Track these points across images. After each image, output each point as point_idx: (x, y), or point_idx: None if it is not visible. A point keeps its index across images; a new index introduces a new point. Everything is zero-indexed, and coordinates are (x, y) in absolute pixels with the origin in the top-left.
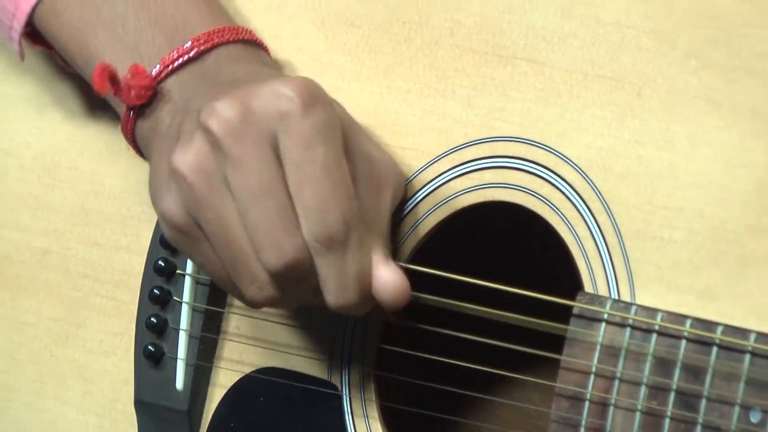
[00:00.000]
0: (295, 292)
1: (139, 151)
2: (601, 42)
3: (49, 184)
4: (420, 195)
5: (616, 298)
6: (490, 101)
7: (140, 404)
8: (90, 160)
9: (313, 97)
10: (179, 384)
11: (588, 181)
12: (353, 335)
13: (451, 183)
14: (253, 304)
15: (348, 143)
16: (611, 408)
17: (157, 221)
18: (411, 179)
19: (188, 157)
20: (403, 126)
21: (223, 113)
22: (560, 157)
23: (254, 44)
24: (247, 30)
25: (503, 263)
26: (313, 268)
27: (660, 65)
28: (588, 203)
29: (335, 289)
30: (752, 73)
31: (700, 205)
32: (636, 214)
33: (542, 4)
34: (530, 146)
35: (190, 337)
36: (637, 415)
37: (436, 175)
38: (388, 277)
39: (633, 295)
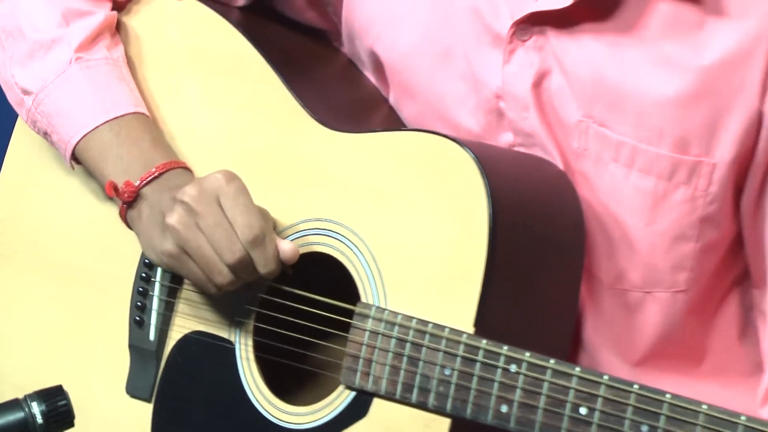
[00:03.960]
0: (242, 275)
1: (128, 226)
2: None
3: (88, 241)
4: None
5: (377, 305)
6: (314, 207)
7: (131, 347)
8: (116, 230)
9: (231, 175)
10: (151, 336)
11: (362, 240)
12: (242, 312)
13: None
14: (220, 288)
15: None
16: (373, 363)
17: (140, 256)
18: None
19: (175, 218)
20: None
21: (189, 192)
22: (347, 228)
23: (187, 169)
24: (182, 162)
25: (321, 288)
26: (251, 258)
27: None
28: (363, 253)
29: (263, 265)
30: None
31: (416, 253)
32: (389, 257)
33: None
34: (329, 222)
35: (158, 312)
36: (387, 367)
37: (285, 238)
38: (288, 247)
39: (386, 303)
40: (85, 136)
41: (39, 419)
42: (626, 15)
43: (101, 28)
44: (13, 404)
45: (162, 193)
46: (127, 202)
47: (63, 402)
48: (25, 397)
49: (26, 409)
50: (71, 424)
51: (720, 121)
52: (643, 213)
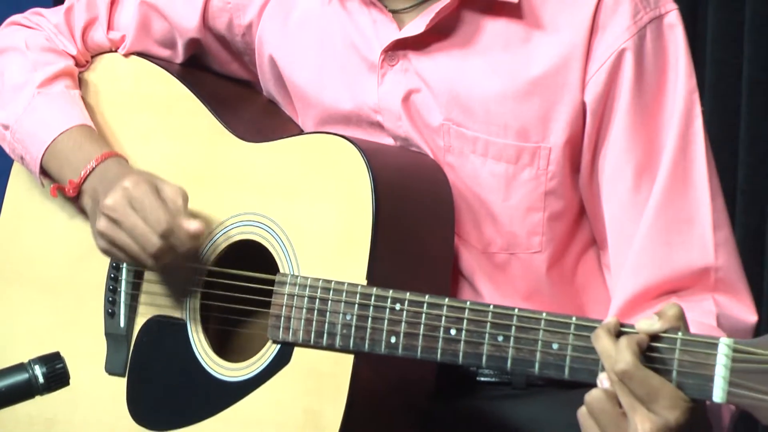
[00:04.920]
0: (166, 257)
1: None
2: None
3: (66, 247)
4: (214, 238)
5: (292, 274)
6: (238, 203)
7: (107, 334)
8: (87, 244)
9: (136, 181)
10: (122, 324)
11: (277, 224)
12: (190, 296)
13: (223, 235)
14: (153, 267)
15: None
16: (292, 319)
17: (109, 261)
18: (210, 234)
19: (102, 224)
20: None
21: (106, 203)
22: (265, 216)
23: (119, 156)
24: (116, 152)
25: (254, 264)
26: (169, 243)
27: None
28: (278, 234)
29: (180, 245)
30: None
31: (319, 229)
32: (298, 235)
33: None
34: (251, 215)
35: (125, 304)
36: (302, 320)
37: (218, 231)
38: (194, 226)
39: (299, 271)
40: (47, 149)
41: (40, 379)
42: (466, 34)
43: (60, 73)
44: (19, 367)
45: (100, 184)
46: (73, 196)
47: (60, 365)
48: (29, 361)
49: (30, 371)
50: (67, 383)
51: (551, 113)
52: (500, 191)
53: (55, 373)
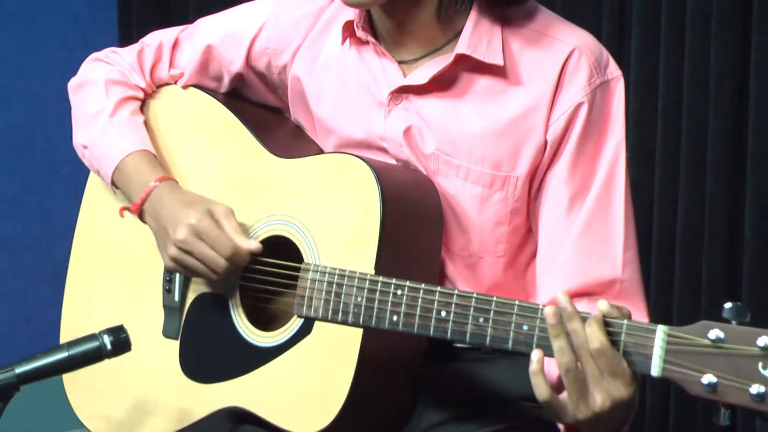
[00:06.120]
0: (233, 266)
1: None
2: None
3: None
4: (252, 234)
5: (314, 263)
6: (272, 207)
7: (164, 306)
8: (151, 236)
9: (201, 216)
10: (176, 298)
11: (303, 224)
12: (232, 277)
13: (260, 231)
14: (220, 274)
15: None
16: (313, 299)
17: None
18: (249, 231)
19: (173, 252)
20: (244, 218)
21: (179, 237)
22: (293, 217)
23: (171, 179)
24: (166, 176)
25: (284, 255)
26: (234, 263)
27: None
28: (303, 232)
29: (242, 262)
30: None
31: (337, 228)
32: (320, 233)
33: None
34: (282, 215)
35: (179, 283)
36: (322, 300)
37: (256, 228)
38: (254, 246)
39: (320, 261)
40: (115, 169)
41: (108, 346)
42: (459, 86)
43: (127, 98)
44: (91, 337)
45: (158, 206)
46: (137, 215)
47: (124, 335)
48: (99, 332)
49: (100, 340)
50: (129, 350)
51: (520, 149)
52: (475, 208)
53: (119, 342)
